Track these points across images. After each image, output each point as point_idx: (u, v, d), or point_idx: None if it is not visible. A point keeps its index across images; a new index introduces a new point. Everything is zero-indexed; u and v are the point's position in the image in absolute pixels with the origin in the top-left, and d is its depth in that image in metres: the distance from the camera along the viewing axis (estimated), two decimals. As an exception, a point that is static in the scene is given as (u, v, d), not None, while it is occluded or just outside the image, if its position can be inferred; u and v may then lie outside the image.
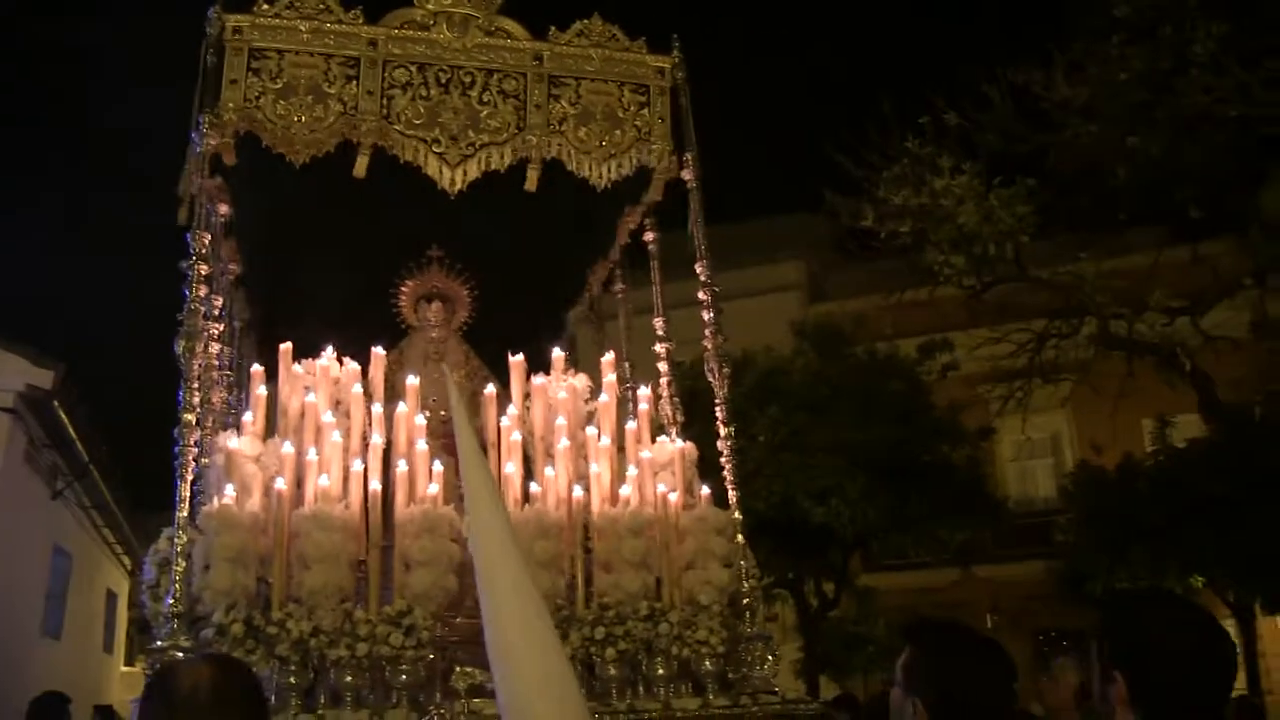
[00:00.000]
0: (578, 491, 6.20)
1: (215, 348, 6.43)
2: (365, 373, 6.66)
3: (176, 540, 5.50)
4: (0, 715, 10.43)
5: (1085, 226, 14.60)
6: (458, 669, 5.56)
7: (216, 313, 6.43)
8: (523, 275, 7.42)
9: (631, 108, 6.78)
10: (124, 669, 19.04)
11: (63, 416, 12.23)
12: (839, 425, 15.00)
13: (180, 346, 5.76)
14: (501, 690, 2.95)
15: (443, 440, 6.78)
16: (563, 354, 7.14)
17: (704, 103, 6.89)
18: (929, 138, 13.70)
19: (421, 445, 6.17)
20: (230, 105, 6.20)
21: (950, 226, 13.49)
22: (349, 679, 5.44)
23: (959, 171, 13.40)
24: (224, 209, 6.71)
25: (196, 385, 5.79)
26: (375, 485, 5.93)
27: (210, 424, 6.35)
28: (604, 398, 6.88)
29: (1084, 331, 14.99)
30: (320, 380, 6.49)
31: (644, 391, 7.06)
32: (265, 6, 6.41)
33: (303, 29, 6.40)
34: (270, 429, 6.36)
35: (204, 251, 6.01)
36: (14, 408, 11.47)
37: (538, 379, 6.94)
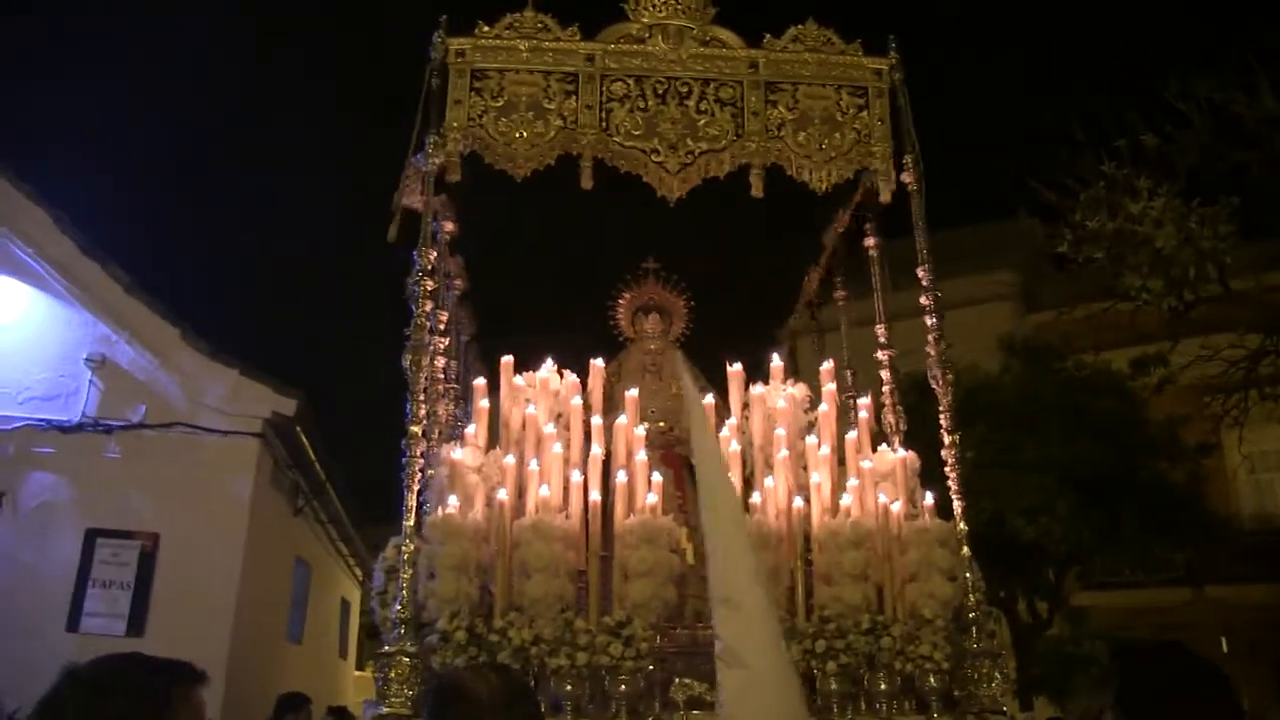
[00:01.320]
0: (798, 502, 5.81)
1: (440, 362, 6.28)
2: (584, 385, 6.41)
3: (403, 549, 5.38)
4: (253, 712, 10.57)
5: None
6: (677, 680, 5.26)
7: (442, 328, 6.29)
8: (742, 285, 7.10)
9: (850, 110, 6.40)
10: (356, 673, 19.32)
11: (303, 440, 12.41)
12: (1048, 442, 14.22)
13: (407, 361, 5.65)
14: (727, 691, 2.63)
15: (661, 451, 6.50)
16: (782, 363, 6.75)
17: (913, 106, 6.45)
18: (1125, 159, 12.84)
19: (641, 456, 5.90)
20: (455, 124, 6.11)
21: (1148, 250, 12.63)
22: (569, 688, 5.19)
23: (1156, 193, 12.51)
24: (449, 227, 6.56)
25: (423, 398, 5.65)
26: (595, 496, 5.67)
27: (436, 436, 6.21)
28: (824, 407, 6.45)
29: None
30: (540, 392, 6.27)
31: (864, 400, 6.61)
32: (486, 29, 6.32)
33: (522, 48, 6.29)
34: (493, 441, 6.16)
35: (429, 267, 5.88)
36: (262, 433, 11.64)
37: (756, 389, 6.54)
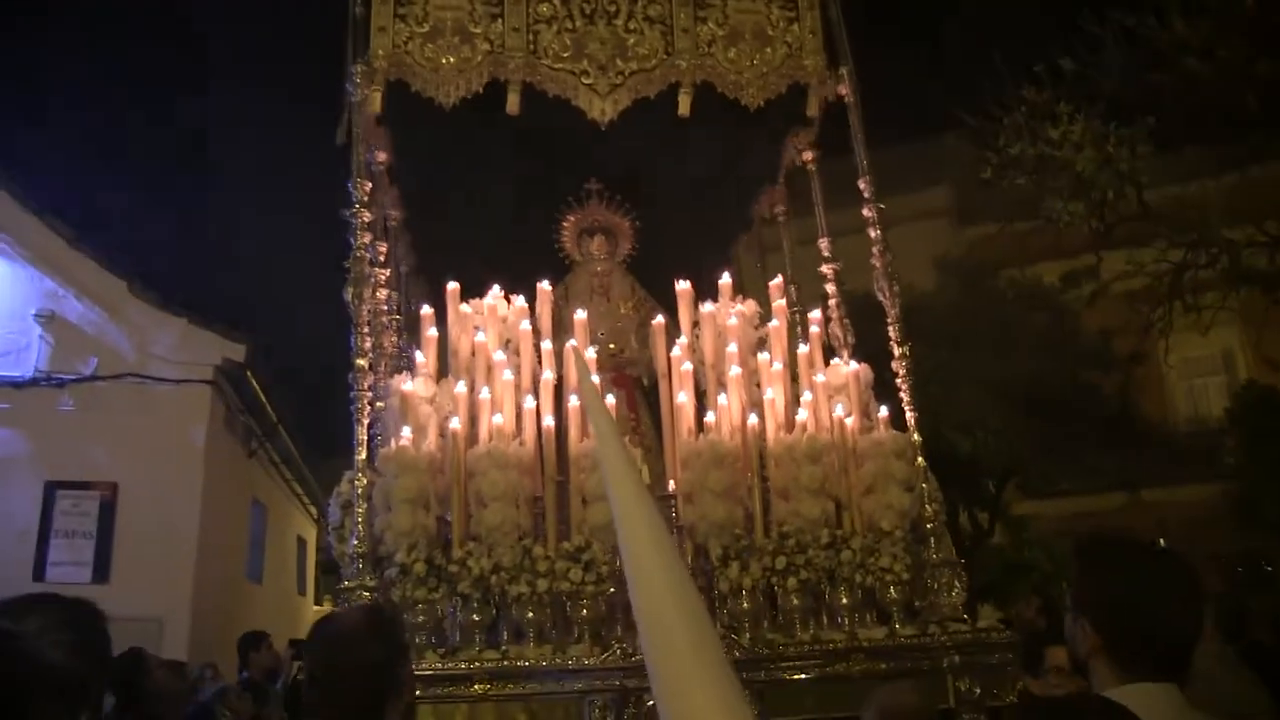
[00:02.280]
0: (752, 419, 5.49)
1: (383, 293, 5.91)
2: (532, 309, 6.05)
3: (356, 483, 5.07)
4: (220, 650, 10.50)
5: (1210, 142, 13.29)
6: (635, 604, 4.98)
7: (382, 259, 5.91)
8: (685, 203, 6.76)
9: (780, 24, 6.06)
10: (315, 608, 19.20)
11: (254, 384, 12.27)
12: (982, 358, 14.06)
13: (349, 294, 5.29)
14: (650, 657, 2.33)
15: (612, 374, 6.19)
16: (729, 281, 6.36)
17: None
18: (1046, 84, 12.61)
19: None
20: (380, 52, 5.71)
21: (1069, 174, 12.45)
22: (530, 615, 4.91)
23: (1075, 117, 12.29)
24: (382, 156, 6.17)
25: (367, 330, 5.31)
26: (548, 421, 5.34)
27: (383, 368, 5.85)
28: (774, 322, 6.09)
29: (1221, 264, 13.65)
30: (488, 319, 5.89)
31: (814, 314, 6.26)
32: None
33: (445, -29, 5.85)
34: (442, 370, 5.82)
35: (365, 199, 5.50)
36: (214, 379, 11.51)
37: (705, 307, 6.18)
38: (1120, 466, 16.16)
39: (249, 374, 11.93)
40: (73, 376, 11.01)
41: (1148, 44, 12.20)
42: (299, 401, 13.86)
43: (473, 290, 6.05)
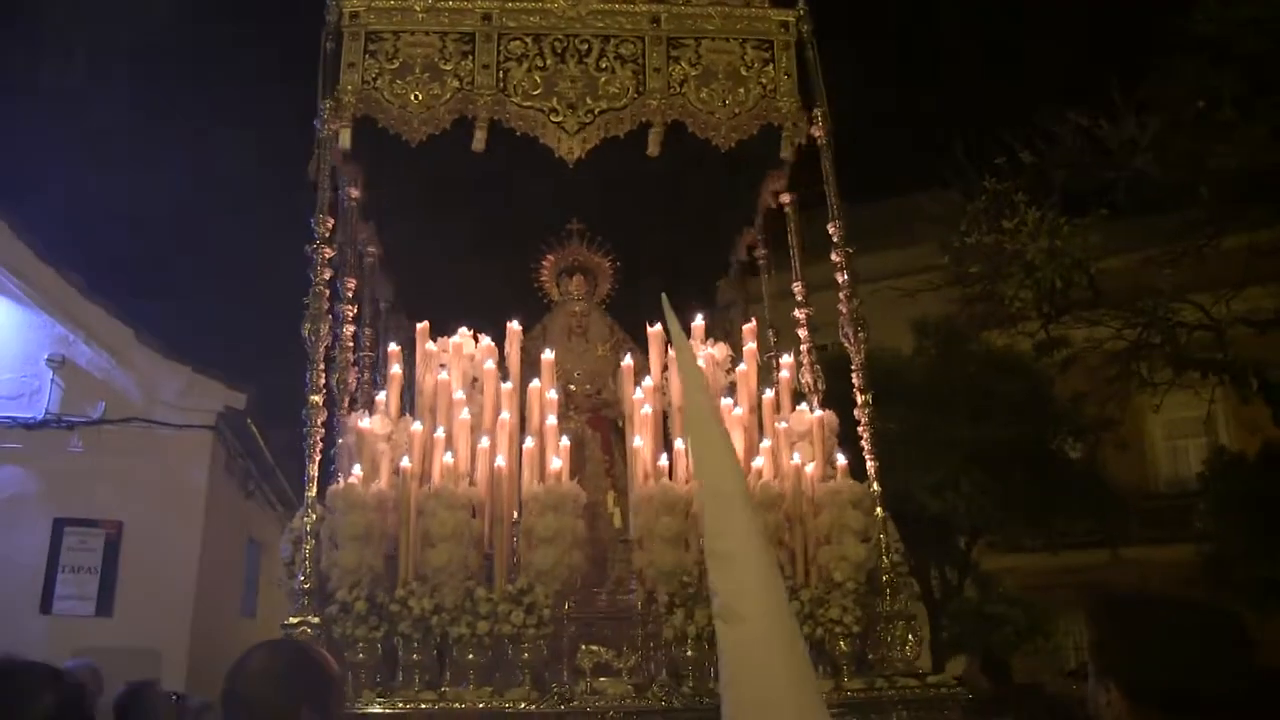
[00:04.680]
0: (708, 464, 5.00)
1: (349, 330, 5.48)
2: (503, 349, 5.63)
3: (306, 519, 4.73)
4: (216, 684, 9.93)
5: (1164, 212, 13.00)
6: (584, 647, 4.54)
7: (350, 295, 5.49)
8: (667, 245, 6.32)
9: (755, 65, 5.60)
10: (303, 642, 18.76)
11: (254, 430, 12.03)
12: (957, 422, 13.60)
13: (306, 329, 4.93)
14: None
15: (587, 415, 5.74)
16: (702, 323, 5.90)
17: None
18: (1004, 176, 12.38)
19: (551, 421, 5.11)
20: (349, 88, 5.36)
21: (1020, 262, 12.20)
22: (471, 657, 4.47)
23: (1030, 207, 12.06)
24: (355, 192, 5.79)
25: (324, 367, 4.95)
26: (500, 461, 4.91)
27: (346, 405, 5.43)
28: (742, 366, 5.62)
29: (1167, 348, 13.34)
30: (454, 358, 5.48)
31: (785, 359, 5.78)
32: None
33: (417, 8, 5.53)
34: (410, 408, 5.44)
35: (327, 235, 5.14)
36: (216, 425, 11.31)
37: (675, 350, 5.73)
38: (1089, 527, 15.59)
39: (249, 421, 11.70)
40: (82, 419, 10.82)
41: (1100, 144, 12.03)
42: (296, 443, 13.48)
43: (454, 330, 5.69)
